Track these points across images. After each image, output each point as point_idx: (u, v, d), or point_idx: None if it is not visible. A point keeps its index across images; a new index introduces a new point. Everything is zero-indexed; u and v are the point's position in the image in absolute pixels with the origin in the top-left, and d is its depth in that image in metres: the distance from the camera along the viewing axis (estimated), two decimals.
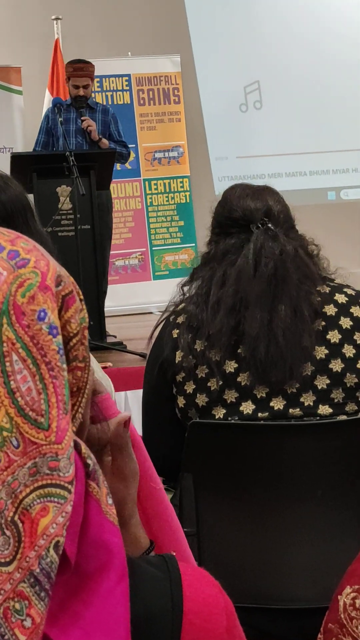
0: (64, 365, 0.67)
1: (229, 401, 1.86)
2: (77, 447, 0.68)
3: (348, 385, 1.85)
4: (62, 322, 0.70)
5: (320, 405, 1.83)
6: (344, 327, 1.89)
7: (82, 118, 5.93)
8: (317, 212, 8.54)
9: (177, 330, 1.96)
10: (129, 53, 8.17)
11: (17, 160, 5.45)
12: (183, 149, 8.30)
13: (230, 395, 1.86)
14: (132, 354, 5.14)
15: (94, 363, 1.95)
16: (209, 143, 8.52)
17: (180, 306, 2.02)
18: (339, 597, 0.89)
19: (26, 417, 0.64)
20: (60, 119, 5.77)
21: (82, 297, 0.77)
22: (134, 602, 0.70)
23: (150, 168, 8.22)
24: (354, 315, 1.91)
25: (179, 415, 1.94)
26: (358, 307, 1.92)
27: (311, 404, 1.83)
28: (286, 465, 1.75)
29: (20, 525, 0.63)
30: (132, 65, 8.19)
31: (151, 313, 7.75)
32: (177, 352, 1.93)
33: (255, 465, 1.75)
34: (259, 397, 1.84)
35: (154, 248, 8.15)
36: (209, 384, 1.87)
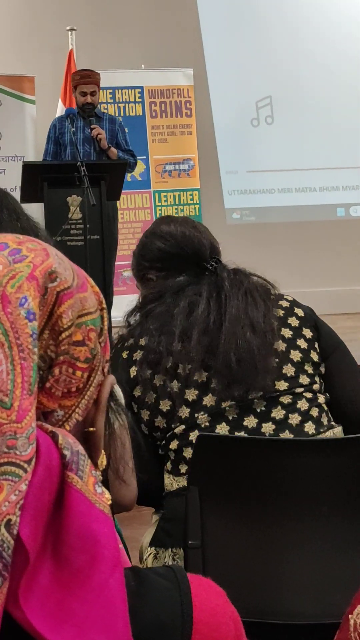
0: (35, 349, 0.68)
1: (203, 426, 1.91)
2: (54, 437, 0.68)
3: (295, 361, 1.98)
4: (55, 317, 0.71)
5: (275, 382, 1.94)
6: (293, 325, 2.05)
7: (92, 126, 5.95)
8: (326, 228, 8.55)
9: (136, 368, 1.97)
10: (142, 65, 8.21)
11: (29, 169, 5.47)
12: (194, 161, 8.32)
13: (204, 419, 1.92)
14: None
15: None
16: (219, 157, 8.55)
17: (130, 341, 2.03)
18: (350, 616, 0.88)
19: None
20: (72, 129, 5.80)
21: (103, 303, 0.78)
22: (144, 612, 0.70)
23: (160, 180, 8.24)
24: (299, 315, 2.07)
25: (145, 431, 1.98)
26: (301, 309, 2.09)
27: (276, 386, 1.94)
28: (292, 481, 1.74)
29: None
30: (145, 77, 8.23)
31: None
32: (131, 369, 1.97)
33: (261, 480, 1.75)
34: (230, 418, 1.91)
35: None
36: (168, 389, 1.94)
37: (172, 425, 1.92)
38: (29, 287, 0.69)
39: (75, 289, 0.73)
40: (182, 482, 1.90)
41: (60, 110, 7.38)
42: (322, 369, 2.03)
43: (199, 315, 1.94)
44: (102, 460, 0.78)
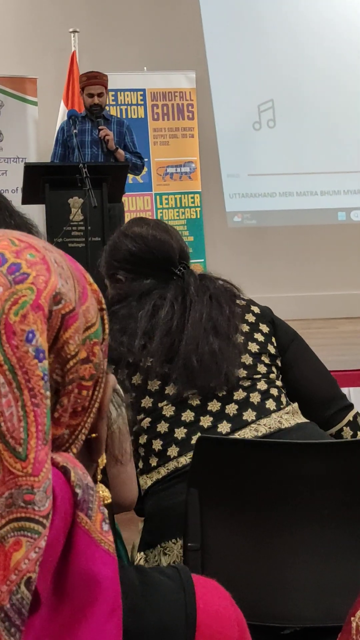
0: (47, 393, 0.64)
1: (168, 415, 1.95)
2: (66, 473, 0.66)
3: (253, 352, 2.05)
4: (60, 342, 0.67)
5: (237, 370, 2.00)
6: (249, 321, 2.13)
7: (100, 127, 5.96)
8: (327, 232, 8.55)
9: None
10: (145, 68, 8.22)
11: (30, 170, 5.47)
12: (195, 164, 8.32)
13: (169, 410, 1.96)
14: None
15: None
16: (221, 160, 8.55)
17: None
18: (352, 618, 0.88)
19: (6, 444, 0.62)
20: (74, 131, 5.80)
21: (102, 302, 0.75)
22: (147, 613, 0.70)
23: (161, 183, 8.24)
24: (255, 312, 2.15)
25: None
26: (257, 307, 2.17)
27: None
28: (292, 484, 1.74)
29: None
30: (147, 80, 8.23)
31: None
32: None
33: (261, 483, 1.74)
34: (194, 404, 1.97)
35: None
36: (132, 382, 1.97)
37: (137, 417, 1.96)
38: (35, 318, 0.65)
39: (79, 304, 0.70)
40: (155, 475, 1.95)
41: (62, 112, 7.39)
42: (279, 362, 2.12)
43: (161, 318, 1.98)
44: (103, 459, 0.77)
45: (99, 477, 0.75)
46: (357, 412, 2.17)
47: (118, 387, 1.93)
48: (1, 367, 0.63)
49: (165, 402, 1.96)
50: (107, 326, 0.76)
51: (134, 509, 2.02)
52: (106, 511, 0.68)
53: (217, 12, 8.55)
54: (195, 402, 1.95)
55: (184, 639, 0.71)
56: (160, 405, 1.96)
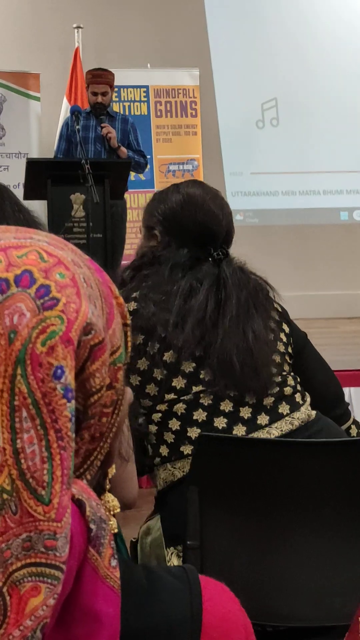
0: (73, 435, 0.61)
1: (187, 371, 1.91)
2: (81, 507, 0.63)
3: (280, 351, 2.02)
4: (86, 374, 0.64)
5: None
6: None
7: (102, 125, 5.95)
8: (329, 232, 8.54)
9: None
10: (148, 64, 8.20)
11: (33, 166, 5.46)
12: (198, 162, 8.31)
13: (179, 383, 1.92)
14: None
15: None
16: (224, 158, 8.53)
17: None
18: (359, 618, 0.87)
19: (26, 483, 0.60)
20: (77, 127, 5.79)
21: (127, 318, 0.72)
22: (152, 612, 0.69)
23: (164, 180, 8.22)
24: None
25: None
26: (279, 304, 2.12)
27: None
28: (293, 482, 1.73)
29: (7, 598, 0.59)
30: (150, 76, 8.22)
31: None
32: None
33: (261, 481, 1.74)
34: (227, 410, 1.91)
35: None
36: (164, 358, 1.91)
37: (166, 396, 1.91)
38: (65, 354, 0.61)
39: (106, 329, 0.67)
40: (186, 466, 1.87)
41: (65, 107, 7.37)
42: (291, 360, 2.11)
43: (195, 306, 1.91)
44: (112, 469, 0.75)
45: (108, 486, 0.74)
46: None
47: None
48: (25, 400, 0.60)
49: (200, 387, 1.90)
50: (129, 343, 0.73)
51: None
52: (115, 546, 0.66)
53: (221, 10, 8.53)
54: (233, 393, 1.91)
55: (189, 639, 0.69)
56: (195, 389, 1.90)
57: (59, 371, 0.61)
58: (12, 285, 0.62)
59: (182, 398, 1.90)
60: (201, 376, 1.90)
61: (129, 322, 0.73)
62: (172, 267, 1.97)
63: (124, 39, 8.24)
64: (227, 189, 8.51)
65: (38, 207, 5.62)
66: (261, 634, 1.72)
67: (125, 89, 8.13)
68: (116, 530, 0.69)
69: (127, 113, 7.94)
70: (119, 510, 0.72)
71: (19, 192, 6.01)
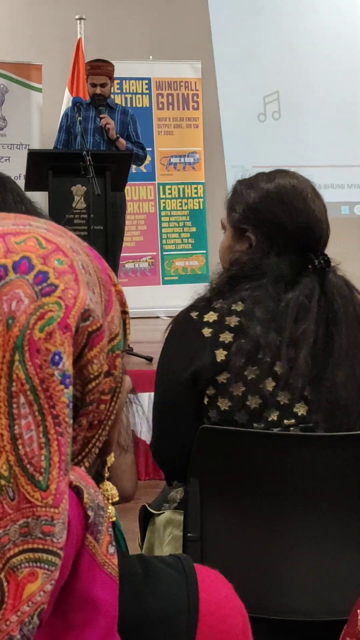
0: (71, 421, 0.61)
1: (282, 403, 1.75)
2: (79, 493, 0.63)
3: None
4: (84, 361, 0.64)
5: None
6: None
7: (101, 116, 5.93)
8: (330, 226, 8.53)
9: (210, 329, 1.75)
10: (150, 57, 8.18)
11: (34, 157, 5.45)
12: (199, 155, 8.30)
13: (283, 397, 1.75)
14: (138, 357, 5.13)
15: None
16: (225, 151, 8.52)
17: (215, 317, 1.77)
18: (358, 611, 0.87)
19: (24, 469, 0.60)
20: (79, 118, 5.78)
21: (126, 305, 0.72)
22: (149, 602, 0.69)
23: (165, 172, 8.22)
24: None
25: (212, 417, 1.78)
26: None
27: None
28: (293, 476, 1.73)
29: (5, 584, 0.59)
30: (152, 68, 8.20)
31: (158, 317, 7.74)
32: (218, 352, 1.73)
33: (262, 474, 1.74)
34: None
35: (164, 253, 8.14)
36: (260, 386, 1.73)
37: (254, 425, 1.76)
38: (63, 339, 0.61)
39: (104, 315, 0.67)
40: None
41: (67, 99, 7.35)
42: None
43: (309, 330, 1.72)
44: (111, 458, 0.75)
45: (107, 474, 0.74)
46: None
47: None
48: (22, 386, 0.60)
49: (293, 421, 1.75)
50: (129, 331, 0.73)
51: (178, 473, 1.96)
52: (113, 533, 0.66)
53: (224, 3, 8.51)
54: (323, 428, 1.75)
55: (186, 628, 0.70)
56: (286, 423, 1.75)
57: (57, 357, 0.61)
58: (10, 272, 0.62)
59: (270, 429, 1.77)
60: (295, 410, 1.76)
61: (127, 309, 0.73)
62: (276, 280, 1.76)
63: (126, 30, 8.22)
64: (228, 182, 8.49)
65: (39, 199, 5.61)
66: (259, 627, 1.72)
67: (127, 81, 8.11)
68: (114, 519, 0.69)
69: (128, 105, 7.93)
70: (117, 499, 0.72)
71: (20, 184, 5.98)
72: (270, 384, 1.73)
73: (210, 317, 1.77)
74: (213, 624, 0.71)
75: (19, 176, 5.93)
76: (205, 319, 1.78)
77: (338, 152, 8.56)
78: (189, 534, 1.72)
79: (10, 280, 0.61)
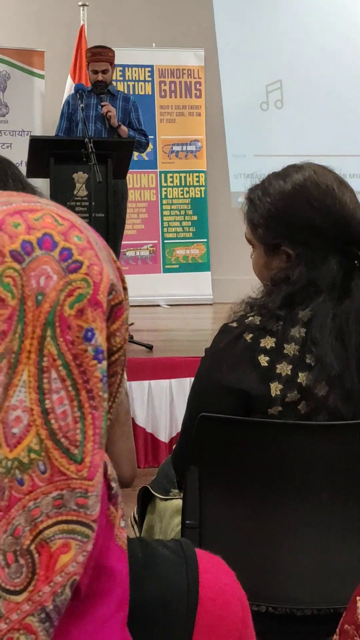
0: (105, 395, 0.62)
1: None
2: (104, 467, 0.65)
3: None
4: (108, 334, 0.65)
5: None
6: None
7: (102, 103, 5.91)
8: None
9: (267, 358, 1.64)
10: (153, 44, 8.16)
11: (36, 143, 5.43)
12: (201, 143, 8.28)
13: None
14: (138, 344, 5.13)
15: None
16: (227, 139, 8.50)
17: (274, 328, 1.65)
18: (357, 598, 0.87)
19: (57, 442, 0.60)
20: (81, 105, 5.76)
21: (125, 281, 0.73)
22: (149, 586, 0.69)
23: (167, 160, 8.20)
24: None
25: None
26: None
27: None
28: (293, 465, 1.73)
29: (36, 556, 0.60)
30: (155, 56, 8.18)
31: (159, 306, 7.74)
32: (273, 385, 1.64)
33: (262, 463, 1.74)
34: None
35: (165, 241, 8.14)
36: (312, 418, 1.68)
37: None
38: (95, 316, 0.62)
39: (122, 292, 0.68)
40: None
41: (69, 85, 7.34)
42: None
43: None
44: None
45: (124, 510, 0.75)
46: None
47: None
48: (54, 362, 0.60)
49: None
50: (128, 307, 0.73)
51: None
52: (123, 507, 0.68)
53: None
54: None
55: (185, 613, 0.70)
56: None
57: (90, 334, 0.61)
58: (36, 248, 0.62)
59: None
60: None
61: (126, 286, 0.73)
62: (331, 289, 1.64)
63: (129, 17, 8.19)
64: (230, 171, 8.49)
65: (41, 186, 5.60)
66: (257, 615, 1.73)
67: (129, 68, 8.09)
68: (115, 477, 0.70)
69: (131, 92, 7.91)
70: (115, 477, 0.73)
71: (22, 170, 5.97)
72: (323, 417, 1.67)
73: (267, 342, 1.65)
74: (212, 610, 0.71)
75: (21, 163, 5.92)
76: (262, 345, 1.65)
77: (340, 142, 8.54)
78: (187, 521, 1.73)
79: (37, 257, 0.61)
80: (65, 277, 0.62)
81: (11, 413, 0.60)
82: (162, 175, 8.18)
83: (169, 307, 7.73)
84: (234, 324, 1.70)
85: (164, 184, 8.17)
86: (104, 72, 6.07)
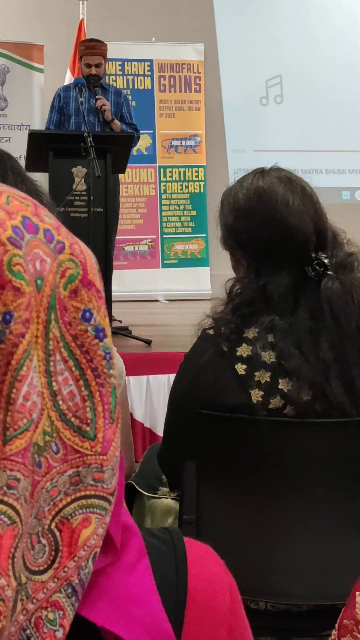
0: (111, 371, 0.63)
1: None
2: None
3: None
4: None
5: None
6: None
7: (97, 97, 5.88)
8: (330, 211, 8.48)
9: (244, 366, 1.67)
10: (153, 38, 8.14)
11: (35, 137, 5.43)
12: (200, 138, 8.27)
13: None
14: (136, 339, 5.13)
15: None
16: (227, 134, 8.49)
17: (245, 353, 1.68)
18: (357, 593, 0.87)
19: (68, 422, 0.61)
20: (80, 99, 5.74)
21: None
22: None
23: (166, 155, 8.19)
24: None
25: None
26: None
27: None
28: (289, 461, 1.73)
29: (57, 534, 0.61)
30: (155, 50, 8.16)
31: (157, 301, 7.74)
32: (254, 392, 1.67)
33: (259, 459, 1.74)
34: None
35: (164, 236, 8.13)
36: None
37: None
38: (90, 296, 0.62)
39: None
40: None
41: (68, 80, 7.32)
42: None
43: (327, 357, 1.64)
44: None
45: None
46: None
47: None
48: (57, 344, 0.61)
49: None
50: None
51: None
52: None
53: None
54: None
55: (174, 603, 0.69)
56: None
57: (88, 314, 0.62)
58: (24, 232, 0.61)
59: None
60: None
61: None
62: (281, 301, 1.65)
63: (128, 11, 8.17)
64: (230, 166, 8.48)
65: (40, 179, 5.58)
66: (255, 613, 1.73)
67: (129, 63, 8.07)
68: None
69: (130, 87, 7.89)
70: None
71: (21, 164, 5.95)
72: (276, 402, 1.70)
73: (244, 351, 1.67)
74: (201, 600, 0.70)
75: (20, 157, 5.91)
76: (238, 353, 1.67)
77: (340, 137, 8.53)
78: (184, 516, 1.73)
79: (28, 241, 0.61)
80: (56, 259, 0.61)
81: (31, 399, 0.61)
82: (161, 170, 8.17)
83: (167, 302, 7.72)
84: (211, 331, 1.73)
85: (163, 178, 8.16)
86: (98, 65, 6.03)
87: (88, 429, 0.62)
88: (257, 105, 8.52)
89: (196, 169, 8.25)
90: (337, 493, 1.74)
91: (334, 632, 0.88)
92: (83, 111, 5.68)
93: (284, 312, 1.65)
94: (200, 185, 8.23)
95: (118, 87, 7.51)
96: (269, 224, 1.68)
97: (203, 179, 8.23)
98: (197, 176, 8.24)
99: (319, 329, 1.64)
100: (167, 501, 2.08)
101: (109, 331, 0.66)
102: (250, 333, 1.68)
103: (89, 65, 6.03)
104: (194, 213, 8.19)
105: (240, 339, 1.68)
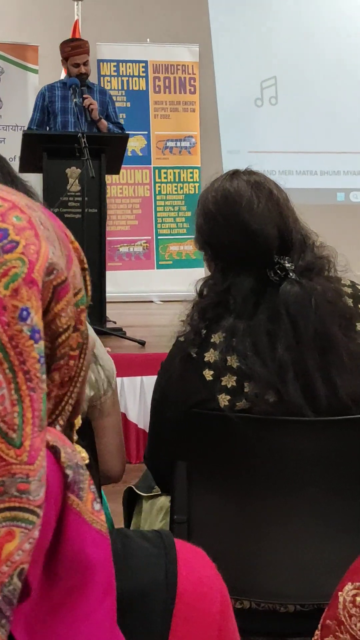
0: (43, 376, 0.60)
1: None
2: (56, 453, 0.63)
3: None
4: (51, 315, 0.64)
5: None
6: None
7: (84, 96, 5.86)
8: (325, 213, 8.51)
9: (212, 372, 1.69)
10: (148, 39, 8.14)
11: (29, 138, 5.42)
12: (195, 139, 8.27)
13: None
14: (130, 340, 5.13)
15: (99, 345, 1.92)
16: (221, 135, 8.49)
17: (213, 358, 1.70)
18: (339, 593, 0.87)
19: None
20: (74, 100, 5.73)
21: (84, 262, 0.71)
22: (127, 578, 0.68)
23: (161, 156, 8.19)
24: None
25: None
26: None
27: None
28: (280, 461, 1.73)
29: None
30: (149, 51, 8.16)
31: (152, 302, 7.74)
32: (221, 397, 1.69)
33: (249, 459, 1.74)
34: None
35: (159, 237, 8.13)
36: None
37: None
38: (30, 295, 0.60)
39: (67, 270, 0.66)
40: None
41: None
42: None
43: (286, 359, 1.65)
44: (78, 421, 0.74)
45: (75, 437, 0.74)
46: None
47: (102, 351, 1.91)
48: None
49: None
50: (89, 287, 0.72)
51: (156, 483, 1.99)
52: (96, 490, 0.66)
53: None
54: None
55: (163, 605, 0.69)
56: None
57: (25, 313, 0.60)
58: None
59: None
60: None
61: (86, 266, 0.72)
62: (244, 304, 1.68)
63: (123, 12, 8.17)
64: (224, 167, 8.47)
65: (34, 181, 5.59)
66: (240, 612, 1.73)
67: (123, 64, 8.07)
68: (87, 461, 0.68)
69: (125, 88, 7.90)
70: (87, 461, 0.72)
71: (15, 165, 5.96)
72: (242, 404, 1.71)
73: (211, 356, 1.70)
74: (191, 603, 0.70)
75: (14, 157, 5.91)
76: (206, 359, 1.70)
77: (334, 139, 8.54)
78: (175, 516, 1.73)
79: None
80: (0, 258, 0.60)
81: None
82: (156, 171, 8.17)
83: (162, 303, 7.72)
84: (182, 338, 1.76)
85: (157, 179, 8.16)
86: (85, 63, 6.04)
87: (14, 435, 0.59)
88: (251, 106, 8.52)
89: (191, 170, 8.25)
90: (327, 493, 1.74)
91: (317, 632, 0.88)
92: (77, 112, 5.67)
93: (244, 314, 1.68)
94: (195, 187, 8.23)
95: (113, 87, 7.52)
96: (232, 228, 1.71)
97: (198, 180, 8.24)
98: (192, 177, 8.25)
99: (276, 331, 1.66)
100: (161, 500, 2.09)
101: (77, 320, 0.64)
102: (217, 338, 1.71)
103: (77, 65, 6.03)
104: (188, 214, 8.18)
105: (207, 345, 1.71)
